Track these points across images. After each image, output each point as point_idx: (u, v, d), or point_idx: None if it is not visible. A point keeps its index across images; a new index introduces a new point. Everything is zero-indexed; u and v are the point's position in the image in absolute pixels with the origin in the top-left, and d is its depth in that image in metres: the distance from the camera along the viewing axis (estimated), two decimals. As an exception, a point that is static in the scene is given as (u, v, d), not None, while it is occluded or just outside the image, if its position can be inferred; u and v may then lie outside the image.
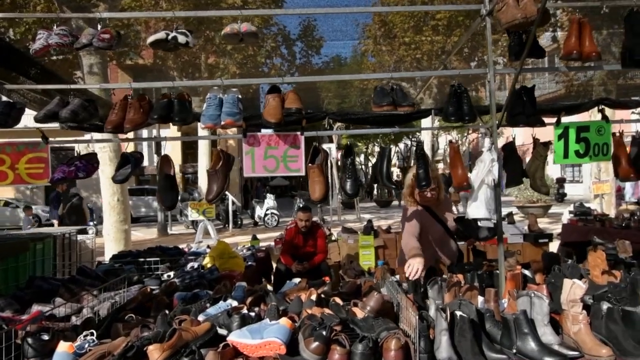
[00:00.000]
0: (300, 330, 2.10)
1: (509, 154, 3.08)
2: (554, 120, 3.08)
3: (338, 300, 2.68)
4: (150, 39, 2.70)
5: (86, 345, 2.06)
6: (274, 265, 5.79)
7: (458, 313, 1.97)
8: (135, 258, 4.61)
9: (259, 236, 8.59)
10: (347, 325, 2.27)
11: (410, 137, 27.27)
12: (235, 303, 2.73)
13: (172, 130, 21.42)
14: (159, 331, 2.23)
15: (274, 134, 2.80)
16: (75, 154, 2.97)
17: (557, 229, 8.36)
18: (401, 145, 32.20)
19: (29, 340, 2.04)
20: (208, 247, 6.23)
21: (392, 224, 11.20)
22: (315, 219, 5.51)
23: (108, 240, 7.55)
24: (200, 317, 2.50)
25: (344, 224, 13.52)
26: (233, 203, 16.42)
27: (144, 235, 15.76)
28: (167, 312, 2.71)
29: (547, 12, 2.53)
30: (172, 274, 4.08)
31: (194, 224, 16.00)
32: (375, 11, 14.88)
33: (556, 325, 2.10)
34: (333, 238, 6.99)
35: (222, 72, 17.11)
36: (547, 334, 1.96)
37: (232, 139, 24.61)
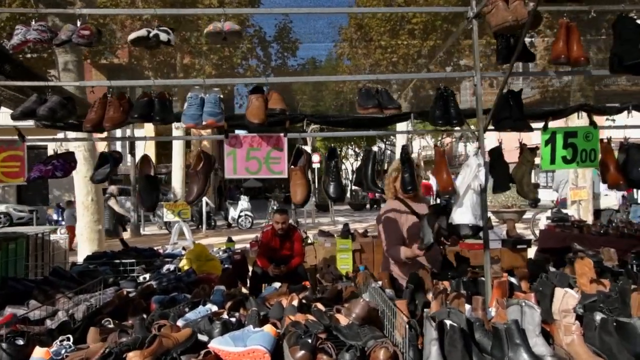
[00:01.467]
0: (285, 337, 2.05)
1: (495, 159, 3.03)
2: (536, 125, 3.01)
3: (320, 306, 2.65)
4: (132, 36, 2.64)
5: (62, 351, 1.99)
6: (250, 267, 5.74)
7: (448, 322, 1.91)
8: (110, 259, 4.49)
9: (234, 238, 8.50)
10: (330, 332, 2.20)
11: (385, 140, 27.52)
12: (215, 308, 2.68)
13: (146, 130, 21.06)
14: (138, 337, 2.17)
15: (256, 135, 2.76)
16: (49, 153, 2.87)
17: (531, 234, 8.47)
18: (375, 148, 32.51)
19: (4, 345, 1.96)
20: (183, 248, 6.12)
21: (367, 227, 11.26)
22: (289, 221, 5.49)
23: (82, 240, 7.38)
24: (180, 322, 2.44)
25: (318, 227, 13.55)
26: (207, 204, 16.21)
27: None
28: (144, 316, 2.65)
29: (538, 15, 2.47)
30: (147, 276, 3.99)
31: (167, 224, 15.74)
32: (357, 12, 14.90)
33: (546, 336, 2.01)
34: (309, 241, 6.97)
35: (197, 73, 16.92)
36: (538, 345, 1.89)
37: (206, 140, 24.36)
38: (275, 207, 17.08)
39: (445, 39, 12.02)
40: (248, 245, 7.10)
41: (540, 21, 2.66)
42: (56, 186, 22.06)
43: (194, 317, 2.52)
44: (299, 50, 19.94)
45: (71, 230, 10.91)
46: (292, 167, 2.74)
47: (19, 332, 2.16)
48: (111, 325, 2.48)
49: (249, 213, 17.04)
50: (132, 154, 18.97)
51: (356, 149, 36.49)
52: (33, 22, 2.62)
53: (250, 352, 1.93)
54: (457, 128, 3.21)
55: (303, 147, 2.82)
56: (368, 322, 2.17)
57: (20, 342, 2.05)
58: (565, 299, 2.03)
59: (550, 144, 2.98)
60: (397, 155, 15.23)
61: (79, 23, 2.66)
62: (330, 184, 2.68)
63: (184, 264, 4.26)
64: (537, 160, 3.21)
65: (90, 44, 2.61)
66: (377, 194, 25.08)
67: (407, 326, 1.87)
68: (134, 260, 4.18)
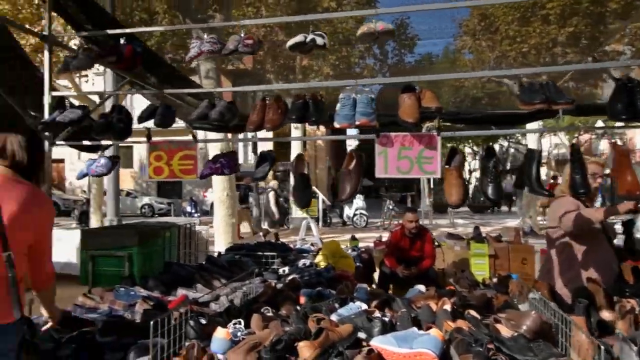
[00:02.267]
0: (452, 344, 1.99)
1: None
2: None
3: (474, 313, 2.54)
4: (290, 42, 2.78)
5: (239, 334, 2.16)
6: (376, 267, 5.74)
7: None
8: (249, 251, 4.81)
9: (344, 236, 8.61)
10: (492, 343, 2.07)
11: (508, 138, 25.79)
12: (364, 306, 2.71)
13: (264, 131, 22.26)
14: (300, 327, 2.28)
15: (408, 134, 2.73)
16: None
17: None
18: (496, 147, 30.59)
19: (191, 322, 2.20)
20: (312, 244, 6.36)
21: (492, 231, 10.61)
22: (401, 221, 5.35)
23: (218, 232, 8.06)
24: (334, 317, 2.51)
25: (437, 229, 13.13)
26: (323, 201, 16.64)
27: (241, 229, 16.39)
28: (298, 307, 2.78)
29: None
30: (286, 269, 4.20)
31: (287, 220, 16.51)
32: (481, 4, 14.07)
33: None
34: (435, 243, 6.74)
35: (315, 74, 17.47)
36: None
37: (320, 140, 25.08)
38: (390, 207, 16.95)
39: (589, 23, 10.77)
40: (372, 244, 7.13)
41: None
42: (189, 182, 24.48)
43: (346, 314, 2.57)
44: (416, 46, 19.60)
45: None
46: (447, 166, 2.66)
47: (198, 312, 2.41)
48: (270, 314, 2.65)
49: (364, 212, 17.11)
50: (255, 153, 20.24)
51: (474, 147, 34.73)
52: (205, 36, 2.91)
53: (418, 355, 1.90)
54: (601, 124, 2.81)
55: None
56: (540, 336, 2.01)
57: (203, 321, 2.27)
58: None
59: None
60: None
61: (242, 34, 2.88)
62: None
63: (319, 259, 4.40)
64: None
65: (253, 52, 2.82)
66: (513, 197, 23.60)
67: (601, 348, 1.67)
68: (275, 254, 4.41)
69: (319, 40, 2.72)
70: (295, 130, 17.39)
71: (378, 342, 2.05)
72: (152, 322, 1.98)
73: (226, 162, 2.87)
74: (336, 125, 2.69)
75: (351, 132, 3.53)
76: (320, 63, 17.34)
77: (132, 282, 3.52)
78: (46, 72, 3.57)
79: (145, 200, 22.06)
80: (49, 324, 2.21)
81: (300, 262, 4.46)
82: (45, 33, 3.55)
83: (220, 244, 7.88)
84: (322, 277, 3.72)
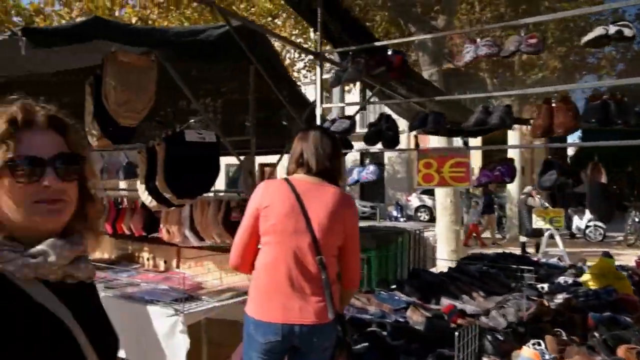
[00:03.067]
0: None
1: None
2: None
3: None
4: (587, 37, 2.50)
5: (546, 356, 2.02)
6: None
7: None
8: (490, 262, 4.52)
9: (576, 251, 7.34)
10: None
11: None
12: (688, 342, 2.25)
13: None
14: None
15: None
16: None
17: None
18: None
19: (489, 337, 2.14)
20: (559, 259, 5.72)
21: None
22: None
23: (440, 239, 7.93)
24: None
25: None
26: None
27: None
28: (596, 334, 2.47)
29: None
30: (546, 286, 3.83)
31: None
32: None
33: None
34: None
35: (539, 69, 15.78)
36: None
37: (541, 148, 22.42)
38: (636, 219, 14.17)
39: None
40: (633, 263, 6.06)
41: None
42: (390, 186, 24.41)
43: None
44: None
45: (474, 227, 13.05)
46: None
47: (488, 327, 2.34)
48: (564, 337, 2.41)
49: (599, 223, 14.71)
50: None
51: None
52: (478, 40, 2.83)
53: None
54: None
55: None
56: None
57: (499, 337, 2.19)
58: None
59: None
60: None
61: (522, 33, 2.71)
62: None
63: (587, 278, 3.88)
64: None
65: (538, 51, 2.63)
66: None
67: None
68: (532, 268, 4.05)
69: (627, 32, 2.37)
70: (514, 131, 15.91)
71: None
72: (456, 333, 1.98)
73: (505, 170, 2.74)
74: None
75: (571, 138, 3.06)
76: (546, 56, 15.57)
77: (386, 285, 3.63)
78: (318, 85, 3.98)
79: (350, 203, 22.84)
80: None
81: (561, 279, 4.02)
82: (317, 51, 3.99)
83: (442, 251, 7.74)
84: (602, 300, 3.25)
